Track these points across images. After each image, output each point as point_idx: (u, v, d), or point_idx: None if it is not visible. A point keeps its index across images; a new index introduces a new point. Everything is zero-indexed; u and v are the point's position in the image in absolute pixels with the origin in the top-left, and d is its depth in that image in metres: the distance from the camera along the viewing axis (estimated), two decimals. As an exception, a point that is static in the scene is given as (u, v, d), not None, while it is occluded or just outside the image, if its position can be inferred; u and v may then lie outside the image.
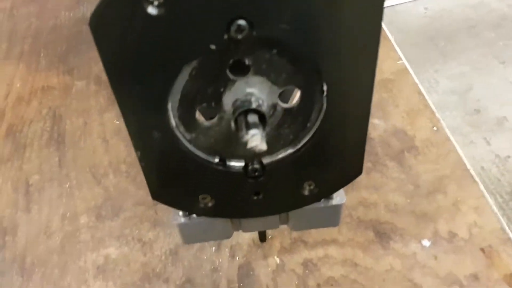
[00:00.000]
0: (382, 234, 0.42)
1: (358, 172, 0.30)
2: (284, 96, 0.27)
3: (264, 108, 0.25)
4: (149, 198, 0.47)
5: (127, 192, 0.48)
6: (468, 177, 0.45)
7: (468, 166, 0.45)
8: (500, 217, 0.41)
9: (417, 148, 0.47)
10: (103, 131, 0.54)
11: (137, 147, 0.26)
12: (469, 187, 0.44)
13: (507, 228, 0.41)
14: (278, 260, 0.42)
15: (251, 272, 0.41)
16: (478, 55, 1.70)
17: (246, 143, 0.23)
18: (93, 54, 0.67)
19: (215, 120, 0.26)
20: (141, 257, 0.43)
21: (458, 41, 1.77)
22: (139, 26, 0.21)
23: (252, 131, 0.23)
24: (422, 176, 0.45)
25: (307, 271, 0.41)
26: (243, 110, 0.24)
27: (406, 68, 0.53)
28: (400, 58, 0.54)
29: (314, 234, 0.43)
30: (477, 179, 0.44)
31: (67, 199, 0.49)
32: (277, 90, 0.25)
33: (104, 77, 0.61)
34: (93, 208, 0.47)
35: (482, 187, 0.44)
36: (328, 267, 0.41)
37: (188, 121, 0.26)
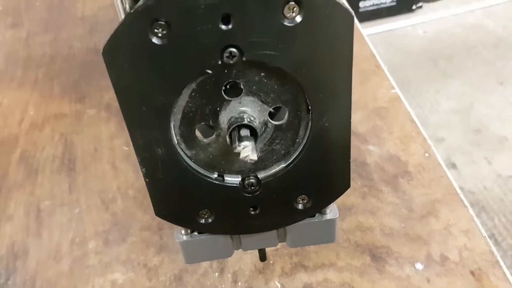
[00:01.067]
0: (378, 258, 0.44)
1: (346, 185, 0.32)
2: (276, 116, 0.30)
3: (256, 124, 0.28)
4: (155, 223, 0.50)
5: (134, 217, 0.50)
6: (458, 201, 0.47)
7: (458, 191, 0.47)
8: (489, 240, 0.43)
9: (410, 173, 0.49)
10: (113, 157, 0.57)
11: (142, 164, 0.29)
12: (460, 211, 0.46)
13: (495, 251, 0.42)
14: (279, 285, 0.43)
15: (253, 297, 0.43)
16: (477, 75, 1.73)
17: (239, 154, 0.26)
18: (104, 83, 0.70)
19: (213, 137, 0.29)
20: (146, 283, 0.45)
21: (457, 61, 1.80)
22: (145, 53, 0.25)
23: (244, 143, 0.26)
24: (416, 200, 0.47)
25: (307, 295, 0.43)
26: (236, 125, 0.27)
27: (399, 97, 0.55)
28: (393, 87, 0.56)
29: (314, 258, 0.45)
30: (466, 203, 0.46)
31: (77, 224, 0.51)
32: (267, 109, 0.28)
33: (114, 105, 0.65)
34: (101, 233, 0.50)
35: (471, 210, 0.45)
36: (327, 291, 0.43)
37: (188, 138, 0.29)
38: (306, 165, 0.30)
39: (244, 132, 0.27)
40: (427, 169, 0.49)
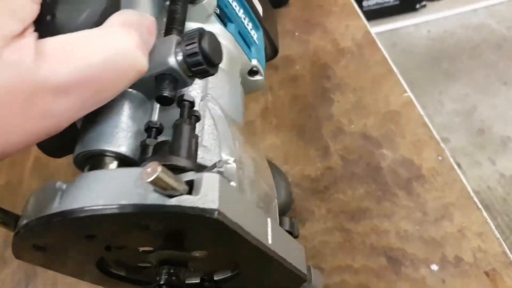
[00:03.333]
0: (394, 260, 0.45)
1: (303, 280, 0.31)
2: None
3: None
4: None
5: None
6: (472, 204, 0.47)
7: (472, 194, 0.48)
8: (503, 241, 0.44)
9: (424, 176, 0.50)
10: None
11: None
12: (473, 214, 0.47)
13: (509, 252, 0.43)
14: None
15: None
16: (481, 76, 1.73)
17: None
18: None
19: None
20: None
21: (461, 62, 1.81)
22: (41, 256, 0.27)
23: None
24: (429, 203, 0.48)
25: (324, 296, 0.44)
26: None
27: (411, 101, 0.56)
28: (405, 91, 0.57)
29: (330, 261, 0.46)
30: (480, 206, 0.47)
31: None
32: None
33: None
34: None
35: (485, 213, 0.46)
36: (344, 292, 0.44)
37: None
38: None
39: None
40: (440, 172, 0.50)
